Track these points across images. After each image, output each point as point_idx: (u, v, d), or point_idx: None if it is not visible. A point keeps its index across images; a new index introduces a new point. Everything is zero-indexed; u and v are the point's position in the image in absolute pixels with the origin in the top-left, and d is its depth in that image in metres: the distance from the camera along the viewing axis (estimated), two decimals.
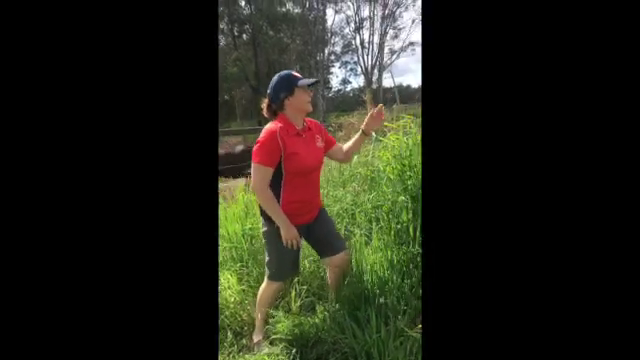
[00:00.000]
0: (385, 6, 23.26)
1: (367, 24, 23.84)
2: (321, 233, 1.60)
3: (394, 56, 24.19)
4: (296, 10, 23.23)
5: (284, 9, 22.36)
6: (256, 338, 1.61)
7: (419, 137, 1.67)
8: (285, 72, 1.53)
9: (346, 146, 1.69)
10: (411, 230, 1.70)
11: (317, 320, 1.54)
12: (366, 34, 23.93)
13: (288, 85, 1.49)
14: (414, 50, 23.87)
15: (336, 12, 23.60)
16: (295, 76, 1.52)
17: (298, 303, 1.65)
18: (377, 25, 23.72)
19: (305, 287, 1.71)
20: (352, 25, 23.71)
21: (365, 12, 23.82)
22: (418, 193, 1.63)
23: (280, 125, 1.46)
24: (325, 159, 1.64)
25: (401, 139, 1.77)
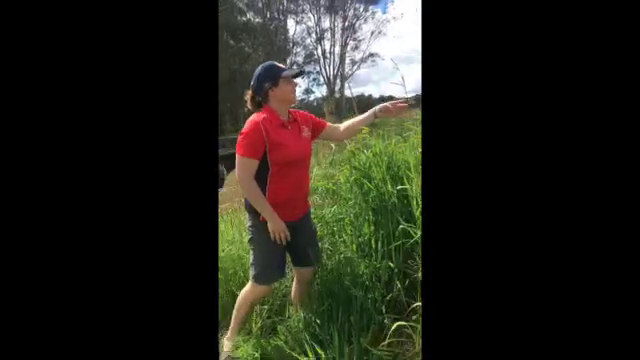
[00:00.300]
0: (345, 18, 23.79)
1: (328, 35, 24.24)
2: (302, 240, 1.56)
3: (355, 66, 24.74)
4: (257, 20, 23.18)
5: (244, 19, 22.24)
6: (226, 347, 1.53)
7: (378, 148, 1.66)
8: (268, 63, 1.52)
9: (349, 122, 1.68)
10: (372, 242, 1.68)
11: (279, 342, 1.47)
12: (327, 45, 24.32)
13: (272, 76, 1.47)
14: (374, 61, 24.56)
15: (297, 23, 23.82)
16: (279, 67, 1.50)
17: (259, 324, 1.57)
18: (338, 36, 24.20)
19: (266, 307, 1.64)
20: (313, 36, 24.01)
21: (326, 23, 24.22)
22: (379, 206, 1.61)
23: (264, 116, 1.43)
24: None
25: (361, 151, 1.76)
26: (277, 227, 1.44)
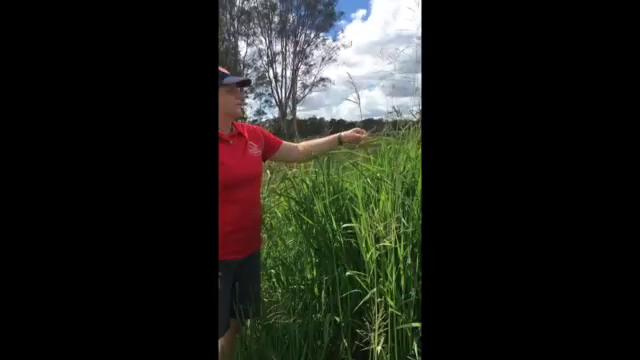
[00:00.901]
0: (296, 43, 24.14)
1: (279, 58, 24.39)
2: (244, 286, 1.29)
3: (307, 90, 24.99)
4: None
5: None
6: None
7: (321, 177, 1.41)
8: None
9: (309, 143, 1.42)
10: (316, 290, 1.40)
11: None
12: (279, 68, 24.42)
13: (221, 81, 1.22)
14: (325, 86, 24.99)
15: (248, 45, 23.69)
16: (222, 72, 1.23)
17: None
18: (289, 60, 24.42)
19: None
20: (265, 58, 24.00)
21: (277, 47, 24.37)
22: (323, 246, 1.35)
23: None
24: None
25: (301, 180, 1.50)
26: None
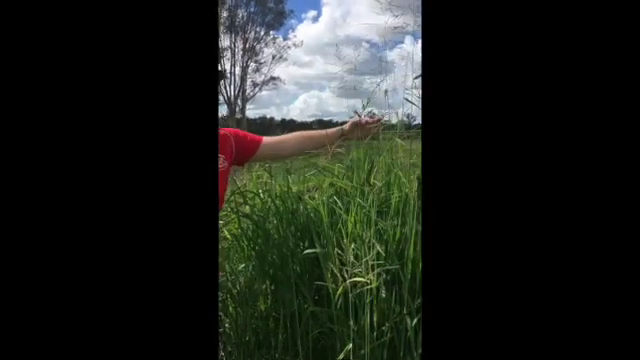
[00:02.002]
0: (246, 40, 23.49)
1: (228, 54, 23.57)
2: None
3: (257, 88, 24.40)
4: None
5: None
6: None
7: (278, 189, 1.19)
8: None
9: (302, 134, 1.16)
10: (271, 325, 1.19)
11: None
12: (227, 64, 23.61)
13: None
14: (275, 85, 24.59)
15: None
16: None
17: None
18: (238, 57, 23.69)
19: None
20: None
21: (226, 42, 23.51)
22: (280, 274, 1.14)
23: None
24: None
25: (254, 193, 1.27)
26: None
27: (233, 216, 1.27)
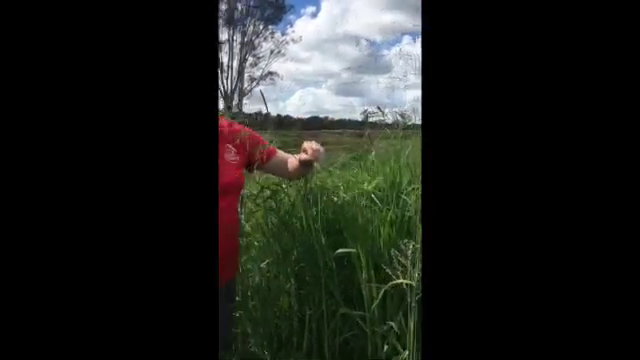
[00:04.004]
0: (244, 34, 23.29)
1: (226, 48, 23.34)
2: None
3: (254, 83, 24.21)
4: None
5: None
6: None
7: (308, 185, 1.15)
8: None
9: (295, 161, 1.07)
10: (295, 325, 1.15)
11: None
12: (225, 58, 23.39)
13: None
14: (273, 80, 24.43)
15: None
16: None
17: None
18: (236, 50, 23.48)
19: None
20: None
21: (224, 35, 23.28)
22: (308, 272, 1.10)
23: None
24: None
25: (280, 188, 1.23)
26: None
27: (255, 209, 1.23)
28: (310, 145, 1.02)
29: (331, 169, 1.28)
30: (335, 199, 1.18)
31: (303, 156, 1.02)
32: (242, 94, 23.69)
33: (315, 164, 1.03)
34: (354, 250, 0.96)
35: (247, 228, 1.27)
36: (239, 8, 22.78)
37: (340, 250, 1.00)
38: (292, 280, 1.16)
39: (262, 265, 1.20)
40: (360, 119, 1.42)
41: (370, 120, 1.34)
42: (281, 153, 1.14)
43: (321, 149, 1.04)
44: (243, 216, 1.25)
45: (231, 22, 22.70)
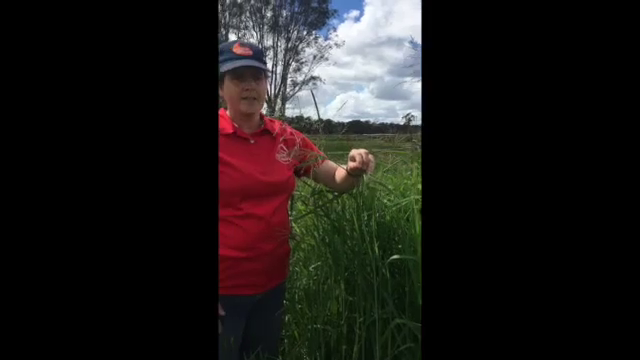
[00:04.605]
0: (288, 39, 23.74)
1: (270, 54, 23.93)
2: (259, 331, 1.03)
3: (297, 88, 24.59)
4: None
5: None
6: None
7: (364, 190, 1.12)
8: (226, 44, 1.00)
9: (344, 173, 1.05)
10: (344, 331, 1.11)
11: None
12: (269, 63, 23.97)
13: (220, 67, 0.97)
14: (315, 84, 24.67)
15: (239, 38, 23.10)
16: (233, 53, 0.96)
17: None
18: (280, 56, 24.00)
19: None
20: None
21: (269, 42, 23.88)
22: (358, 277, 1.06)
23: None
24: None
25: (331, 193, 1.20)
26: None
27: (304, 210, 1.21)
28: (359, 152, 0.96)
29: (380, 173, 1.23)
30: (387, 202, 1.13)
31: (352, 164, 0.96)
32: (285, 99, 24.13)
33: (364, 174, 0.98)
34: (413, 257, 0.91)
35: (297, 230, 1.26)
36: (284, 15, 23.31)
37: (395, 256, 0.95)
38: (342, 285, 1.12)
39: (311, 268, 1.18)
40: (402, 122, 1.36)
41: (412, 124, 1.28)
42: (329, 162, 1.12)
43: (371, 157, 0.99)
44: (292, 217, 1.24)
45: (276, 28, 23.25)
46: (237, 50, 0.97)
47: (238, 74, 0.97)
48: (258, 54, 1.00)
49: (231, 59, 0.96)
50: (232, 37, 23.01)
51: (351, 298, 1.08)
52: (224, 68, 0.96)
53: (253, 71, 0.98)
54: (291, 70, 24.30)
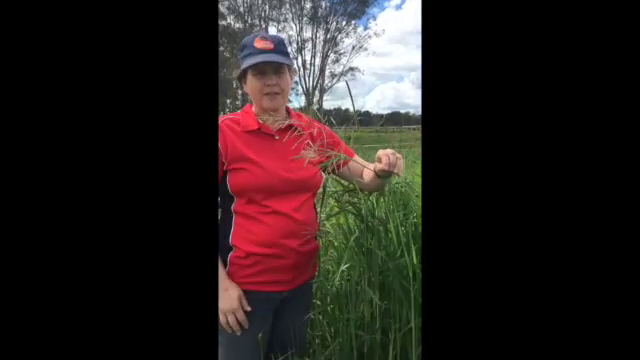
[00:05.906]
0: (327, 30, 23.57)
1: (309, 46, 23.92)
2: (286, 329, 1.01)
3: (335, 79, 24.43)
4: (237, 25, 22.55)
5: (224, 23, 21.57)
6: None
7: (399, 187, 1.04)
8: (248, 37, 0.98)
9: (366, 176, 1.03)
10: (378, 337, 1.05)
11: None
12: (308, 55, 23.99)
13: (242, 62, 0.96)
14: (354, 75, 24.38)
15: (279, 31, 23.24)
16: (254, 47, 0.94)
17: None
18: (319, 48, 23.91)
19: None
20: (294, 45, 23.56)
21: (307, 34, 23.84)
22: (393, 283, 0.99)
23: (231, 117, 0.97)
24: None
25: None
26: (225, 304, 0.89)
27: (336, 207, 1.15)
28: (385, 153, 0.90)
29: (419, 168, 1.14)
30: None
31: (379, 166, 0.91)
32: (323, 91, 24.08)
33: (394, 174, 0.91)
34: None
35: (327, 227, 1.21)
36: (323, 6, 23.13)
37: None
38: (375, 289, 1.06)
39: (343, 268, 1.12)
40: None
41: None
42: (358, 159, 1.06)
43: (398, 156, 0.91)
44: (323, 215, 1.19)
45: (315, 19, 23.15)
46: (258, 44, 0.94)
47: (259, 69, 0.94)
48: (280, 47, 0.96)
49: (252, 54, 0.93)
50: (272, 30, 23.24)
51: (385, 303, 1.02)
52: (245, 64, 0.94)
53: (274, 66, 0.94)
54: (329, 62, 24.17)
